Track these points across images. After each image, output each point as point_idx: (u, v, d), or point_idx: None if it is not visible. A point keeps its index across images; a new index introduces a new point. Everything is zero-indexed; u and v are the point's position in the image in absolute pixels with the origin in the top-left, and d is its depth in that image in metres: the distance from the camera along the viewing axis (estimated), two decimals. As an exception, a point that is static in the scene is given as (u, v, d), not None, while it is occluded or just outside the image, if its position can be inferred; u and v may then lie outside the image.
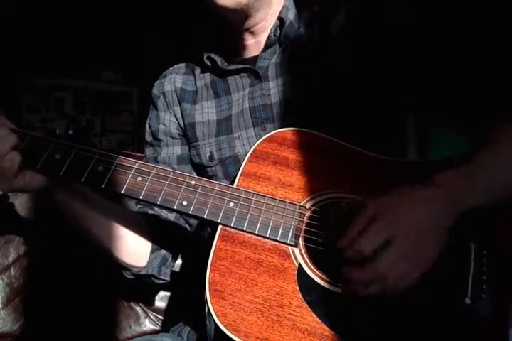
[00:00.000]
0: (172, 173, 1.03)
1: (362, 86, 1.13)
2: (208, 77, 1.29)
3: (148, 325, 1.56)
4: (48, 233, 1.52)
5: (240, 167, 1.06)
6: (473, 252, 0.96)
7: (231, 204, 1.01)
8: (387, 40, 1.12)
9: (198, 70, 1.32)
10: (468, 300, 0.94)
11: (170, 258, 1.30)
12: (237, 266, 0.98)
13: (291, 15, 1.20)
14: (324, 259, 0.98)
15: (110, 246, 1.21)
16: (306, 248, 0.99)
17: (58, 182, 1.09)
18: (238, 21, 1.18)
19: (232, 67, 1.22)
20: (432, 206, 0.92)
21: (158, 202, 1.02)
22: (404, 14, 1.13)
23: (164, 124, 1.34)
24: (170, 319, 1.53)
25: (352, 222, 0.92)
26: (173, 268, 1.40)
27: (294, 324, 0.94)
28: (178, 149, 1.33)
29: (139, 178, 1.03)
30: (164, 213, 1.31)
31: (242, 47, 1.24)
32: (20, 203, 1.52)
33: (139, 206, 1.34)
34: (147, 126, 1.39)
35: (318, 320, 0.94)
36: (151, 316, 1.57)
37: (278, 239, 0.99)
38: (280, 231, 0.99)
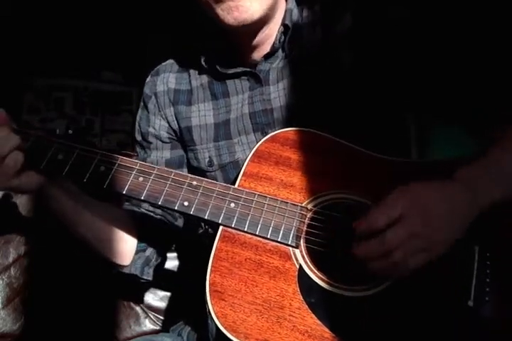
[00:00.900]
0: (173, 174, 1.03)
1: (366, 88, 1.12)
2: (204, 77, 1.26)
3: (148, 325, 1.56)
4: (47, 233, 1.51)
5: (240, 169, 1.06)
6: (476, 254, 0.96)
7: (232, 204, 1.00)
8: (389, 40, 1.11)
9: (193, 69, 1.29)
10: (471, 303, 0.94)
11: (153, 259, 1.29)
12: (237, 267, 0.97)
13: (294, 17, 1.18)
14: (325, 261, 0.98)
15: (96, 245, 1.21)
16: (308, 249, 0.98)
17: (51, 183, 1.09)
18: (247, 35, 1.15)
19: (232, 70, 1.20)
20: (452, 196, 0.91)
21: (160, 203, 1.01)
22: (405, 14, 1.12)
23: (154, 128, 1.31)
24: (170, 319, 1.53)
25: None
26: (173, 269, 1.40)
27: (294, 326, 0.93)
28: (167, 153, 1.31)
29: (141, 179, 1.02)
30: (150, 214, 1.30)
31: (243, 53, 1.21)
32: (21, 203, 1.52)
33: (126, 203, 1.33)
34: (136, 124, 1.37)
35: (318, 321, 0.93)
36: (151, 316, 1.57)
37: (279, 240, 0.98)
38: (281, 232, 0.99)
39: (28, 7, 3.27)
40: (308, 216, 1.00)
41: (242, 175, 1.04)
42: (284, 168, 1.04)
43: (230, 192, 1.01)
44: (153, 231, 1.28)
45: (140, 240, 1.27)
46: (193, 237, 1.35)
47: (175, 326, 1.37)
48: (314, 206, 1.00)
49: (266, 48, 1.18)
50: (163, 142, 1.32)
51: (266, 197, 1.01)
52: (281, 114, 1.16)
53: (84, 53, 3.49)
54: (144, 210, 1.30)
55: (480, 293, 0.94)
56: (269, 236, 0.98)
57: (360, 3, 1.17)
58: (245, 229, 0.99)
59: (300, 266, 0.97)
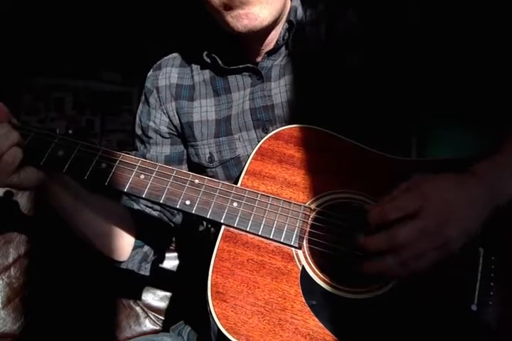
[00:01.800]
0: (175, 171, 1.01)
1: (372, 87, 1.11)
2: (207, 72, 1.26)
3: (148, 325, 1.57)
4: (48, 233, 1.52)
5: (242, 167, 1.04)
6: (481, 257, 0.95)
7: (235, 204, 0.99)
8: (404, 43, 1.10)
9: (195, 64, 1.28)
10: (474, 307, 0.93)
11: (151, 255, 1.29)
12: (239, 268, 0.96)
13: (298, 15, 1.18)
14: (328, 262, 0.96)
15: (94, 240, 1.20)
16: (310, 250, 0.97)
17: (51, 180, 1.08)
18: (253, 39, 1.15)
19: (234, 66, 1.19)
20: (469, 191, 0.90)
21: (161, 201, 0.99)
22: (425, 19, 1.11)
23: (154, 122, 1.31)
24: (170, 319, 1.53)
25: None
26: (173, 269, 1.39)
27: (296, 328, 0.92)
28: (166, 149, 1.31)
29: (142, 176, 1.01)
30: (148, 210, 1.30)
31: (248, 53, 1.20)
32: (21, 203, 1.52)
33: (125, 198, 1.32)
34: (137, 118, 1.36)
35: (320, 324, 0.92)
36: (151, 316, 1.58)
37: (282, 240, 0.97)
38: (284, 232, 0.97)
39: (27, 7, 3.27)
40: (311, 216, 0.99)
41: (245, 174, 1.03)
42: (288, 167, 1.03)
43: (233, 191, 1.00)
44: (151, 228, 1.28)
45: (137, 237, 1.26)
46: (194, 236, 1.35)
47: (175, 325, 1.36)
48: (318, 206, 0.99)
49: (270, 45, 1.17)
50: (163, 137, 1.31)
51: (269, 196, 1.00)
52: (282, 110, 1.16)
53: (84, 53, 3.48)
54: (142, 205, 1.29)
55: (484, 296, 0.93)
56: (271, 237, 0.97)
57: (368, 4, 1.16)
58: (248, 229, 0.98)
59: (303, 267, 0.96)
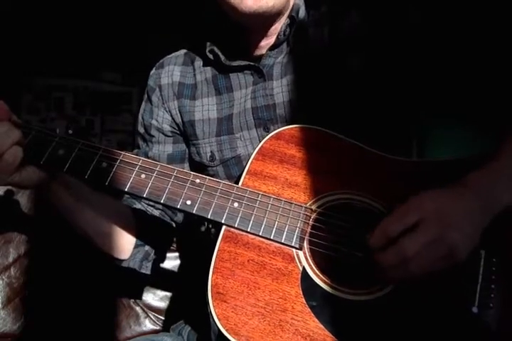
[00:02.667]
0: (176, 171, 1.01)
1: (374, 87, 1.11)
2: (209, 71, 1.26)
3: (148, 325, 1.56)
4: (48, 233, 1.51)
5: (243, 167, 1.04)
6: (482, 259, 0.95)
7: (235, 204, 0.99)
8: (406, 44, 1.10)
9: (198, 62, 1.29)
10: (475, 309, 0.93)
11: (152, 253, 1.29)
12: (240, 269, 0.96)
13: (301, 14, 1.18)
14: (329, 263, 0.96)
15: (95, 239, 1.20)
16: (311, 251, 0.97)
17: (52, 179, 1.08)
18: (257, 25, 1.15)
19: (236, 63, 1.19)
20: (463, 201, 0.90)
21: (162, 201, 0.99)
22: (427, 19, 1.11)
23: (157, 121, 1.31)
24: (170, 319, 1.52)
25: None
26: (173, 269, 1.39)
27: (296, 329, 0.92)
28: (169, 147, 1.31)
29: (143, 176, 1.00)
30: (150, 209, 1.30)
31: (250, 46, 1.20)
32: (21, 202, 1.52)
33: (126, 196, 1.32)
34: (140, 116, 1.36)
35: (321, 325, 0.92)
36: (151, 316, 1.57)
37: (282, 241, 0.97)
38: (285, 233, 0.97)
39: (27, 7, 3.27)
40: (312, 217, 0.98)
41: (246, 174, 1.02)
42: (289, 167, 1.02)
43: (234, 191, 0.99)
44: (153, 227, 1.28)
45: (139, 237, 1.26)
46: (194, 236, 1.34)
47: (175, 325, 1.36)
48: (319, 207, 0.99)
49: (271, 41, 1.17)
50: (165, 136, 1.31)
51: (270, 197, 0.99)
52: (284, 109, 1.15)
53: (84, 53, 3.48)
54: (144, 204, 1.29)
55: (484, 298, 0.93)
56: (272, 237, 0.97)
57: (372, 5, 1.16)
58: (248, 230, 0.97)
59: (303, 268, 0.96)
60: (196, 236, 1.34)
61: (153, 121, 1.31)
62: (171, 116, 1.30)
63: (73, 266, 1.52)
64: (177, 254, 1.60)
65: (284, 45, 1.18)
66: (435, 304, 0.93)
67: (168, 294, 1.60)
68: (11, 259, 1.51)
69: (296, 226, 0.97)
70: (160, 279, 1.48)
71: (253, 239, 0.98)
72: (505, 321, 0.93)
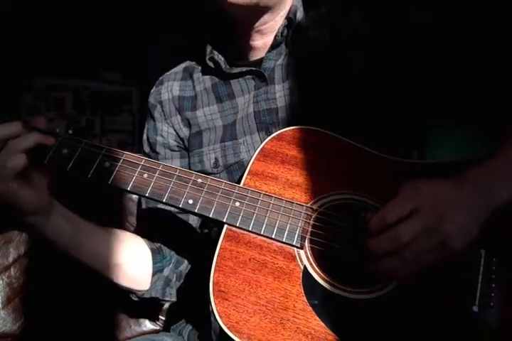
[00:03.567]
0: (178, 171, 1.02)
1: (374, 88, 1.11)
2: (208, 80, 1.26)
3: (148, 325, 1.56)
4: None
5: (245, 168, 1.04)
6: (483, 259, 0.95)
7: (237, 203, 0.99)
8: (406, 44, 1.11)
9: (197, 74, 1.29)
10: (475, 308, 0.93)
11: (174, 279, 1.27)
12: (241, 267, 0.96)
13: (299, 15, 1.18)
14: (330, 262, 0.96)
15: (107, 274, 1.18)
16: (312, 250, 0.97)
17: (51, 208, 1.07)
18: (248, 20, 1.15)
19: (237, 70, 1.19)
20: (462, 193, 0.90)
21: (164, 200, 1.00)
22: (427, 19, 1.11)
23: (162, 136, 1.31)
24: (170, 319, 1.51)
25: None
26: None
27: (297, 327, 0.92)
28: (176, 162, 1.30)
29: (145, 175, 1.01)
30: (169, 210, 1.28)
31: (248, 48, 1.21)
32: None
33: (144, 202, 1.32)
34: (145, 136, 1.36)
35: (322, 324, 0.92)
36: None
37: (284, 240, 0.97)
38: (286, 232, 0.97)
39: (27, 7, 3.26)
40: (313, 216, 0.99)
41: (248, 174, 1.03)
42: (290, 167, 1.03)
43: (235, 191, 1.00)
44: (168, 229, 1.27)
45: (153, 239, 1.25)
46: (196, 235, 1.34)
47: (175, 325, 1.36)
48: (320, 206, 0.99)
49: (268, 41, 1.18)
50: (172, 150, 1.31)
51: (271, 196, 1.00)
52: (286, 113, 1.15)
53: (84, 53, 3.48)
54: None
55: (485, 298, 0.93)
56: (273, 236, 0.97)
57: (372, 5, 1.16)
58: (250, 229, 0.98)
59: (304, 266, 0.96)
60: (198, 236, 1.33)
61: (159, 138, 1.31)
62: (175, 130, 1.29)
63: (73, 266, 1.50)
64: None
65: (283, 46, 1.17)
66: (435, 303, 0.93)
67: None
68: (11, 259, 1.51)
69: (298, 226, 0.98)
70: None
71: (255, 238, 0.98)
72: (505, 320, 0.93)
